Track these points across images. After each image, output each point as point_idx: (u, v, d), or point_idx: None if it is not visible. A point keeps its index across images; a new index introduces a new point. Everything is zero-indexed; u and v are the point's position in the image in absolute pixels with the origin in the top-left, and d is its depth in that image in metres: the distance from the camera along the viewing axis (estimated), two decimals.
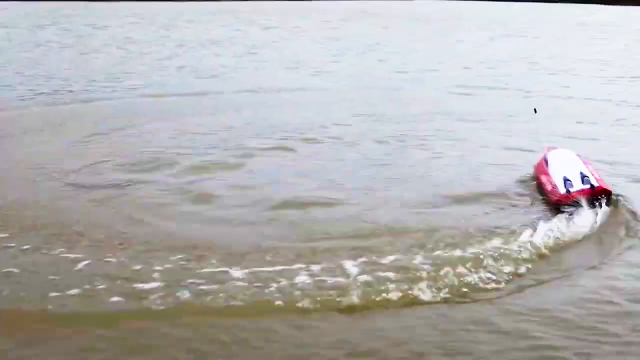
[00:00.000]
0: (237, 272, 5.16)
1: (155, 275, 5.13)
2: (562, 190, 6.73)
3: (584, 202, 6.52)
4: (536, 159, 7.93)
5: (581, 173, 6.89)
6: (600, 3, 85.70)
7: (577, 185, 6.74)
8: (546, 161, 7.46)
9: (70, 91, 15.32)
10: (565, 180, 6.81)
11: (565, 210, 6.55)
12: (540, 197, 7.21)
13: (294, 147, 9.78)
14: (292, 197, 7.33)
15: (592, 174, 6.93)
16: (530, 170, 7.98)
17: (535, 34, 37.34)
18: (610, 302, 4.92)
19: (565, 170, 6.98)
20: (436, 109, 12.99)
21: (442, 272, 5.16)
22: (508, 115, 12.44)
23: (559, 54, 25.13)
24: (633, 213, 6.72)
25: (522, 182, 7.86)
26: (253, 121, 11.74)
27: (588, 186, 6.69)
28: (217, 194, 7.46)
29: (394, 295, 4.84)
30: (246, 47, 26.95)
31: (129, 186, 7.75)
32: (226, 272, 5.19)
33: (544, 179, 7.24)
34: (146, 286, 4.93)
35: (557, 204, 6.69)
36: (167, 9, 67.66)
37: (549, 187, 7.00)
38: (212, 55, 23.87)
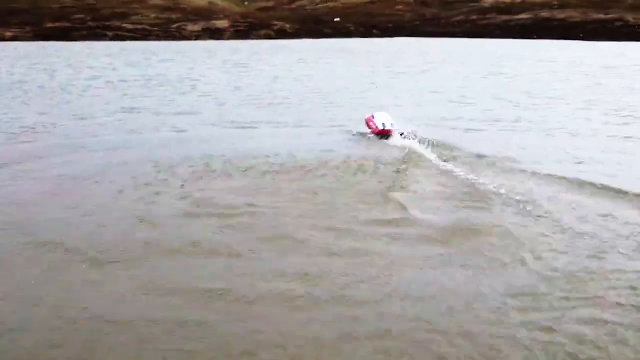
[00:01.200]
0: None
1: None
2: (380, 127, 15.26)
3: (393, 135, 15.07)
4: (365, 116, 16.24)
5: (391, 123, 15.49)
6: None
7: (388, 127, 15.30)
8: (373, 116, 16.00)
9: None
10: (383, 124, 15.37)
11: (381, 138, 15.17)
12: (369, 132, 15.62)
13: None
14: None
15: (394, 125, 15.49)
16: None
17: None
18: None
19: (383, 120, 15.55)
20: None
21: None
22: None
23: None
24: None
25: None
26: None
27: (392, 128, 15.24)
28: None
29: None
30: None
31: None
32: None
33: (371, 123, 15.73)
34: None
35: (377, 134, 15.26)
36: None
37: (374, 127, 15.55)
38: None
